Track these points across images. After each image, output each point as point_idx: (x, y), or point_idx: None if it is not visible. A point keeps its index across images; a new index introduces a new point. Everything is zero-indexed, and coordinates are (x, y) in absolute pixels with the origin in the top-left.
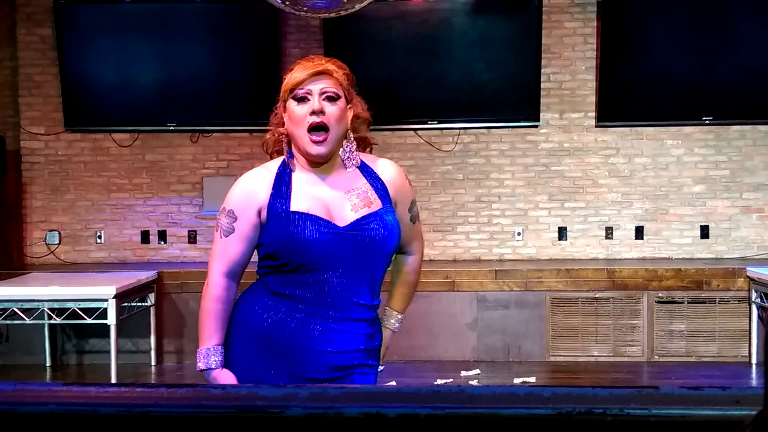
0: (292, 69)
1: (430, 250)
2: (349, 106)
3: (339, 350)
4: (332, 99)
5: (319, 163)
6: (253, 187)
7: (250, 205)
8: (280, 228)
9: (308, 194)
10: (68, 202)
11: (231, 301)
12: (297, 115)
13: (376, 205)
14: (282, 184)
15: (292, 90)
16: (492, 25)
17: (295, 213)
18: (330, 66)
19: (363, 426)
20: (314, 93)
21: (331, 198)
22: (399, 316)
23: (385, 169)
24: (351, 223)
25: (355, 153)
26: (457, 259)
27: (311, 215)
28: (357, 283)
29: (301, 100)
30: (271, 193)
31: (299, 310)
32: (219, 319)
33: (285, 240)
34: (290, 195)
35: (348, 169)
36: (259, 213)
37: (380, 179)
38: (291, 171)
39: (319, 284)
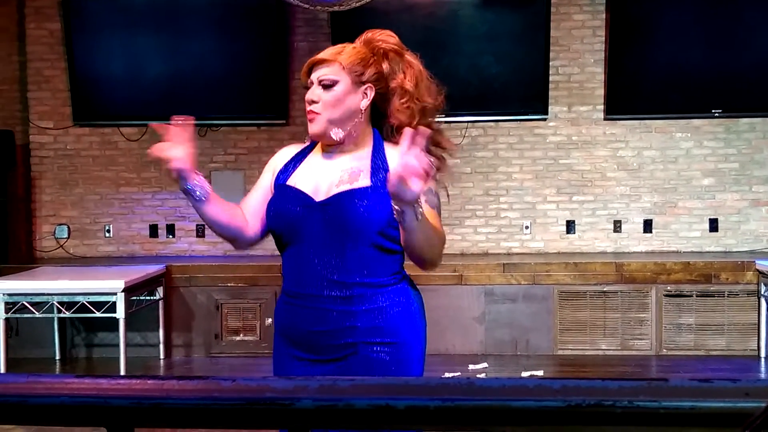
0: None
1: None
2: (364, 87)
3: (325, 329)
4: (327, 86)
5: (329, 144)
6: (280, 154)
7: (272, 165)
8: (272, 200)
9: (308, 171)
10: (77, 196)
11: (236, 209)
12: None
13: (363, 182)
14: (296, 160)
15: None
16: (500, 17)
17: (284, 186)
18: (329, 53)
19: (372, 417)
20: (314, 82)
21: (325, 174)
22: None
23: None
24: (328, 197)
25: (362, 131)
26: (465, 252)
27: (293, 188)
28: (329, 257)
29: (308, 88)
30: (283, 166)
31: (290, 292)
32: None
33: (270, 211)
34: (294, 171)
35: (360, 151)
36: (273, 174)
37: (385, 159)
38: (310, 151)
39: (298, 259)
